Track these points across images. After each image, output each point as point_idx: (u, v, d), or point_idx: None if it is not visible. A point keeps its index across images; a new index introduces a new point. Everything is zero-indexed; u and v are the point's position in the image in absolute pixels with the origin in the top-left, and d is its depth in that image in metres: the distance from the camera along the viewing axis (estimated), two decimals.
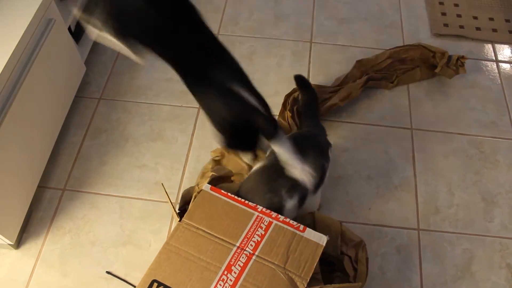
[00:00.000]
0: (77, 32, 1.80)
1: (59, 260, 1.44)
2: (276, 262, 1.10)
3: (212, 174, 1.36)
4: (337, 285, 1.17)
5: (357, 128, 1.73)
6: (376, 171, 1.63)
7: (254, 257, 1.11)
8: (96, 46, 1.95)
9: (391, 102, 1.81)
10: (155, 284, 1.06)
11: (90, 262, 1.44)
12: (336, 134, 1.71)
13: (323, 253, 1.15)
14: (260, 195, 1.24)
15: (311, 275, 1.09)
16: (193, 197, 1.25)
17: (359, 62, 1.83)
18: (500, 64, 1.95)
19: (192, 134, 1.71)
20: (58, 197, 1.56)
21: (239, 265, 1.09)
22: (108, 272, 1.41)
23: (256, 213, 1.18)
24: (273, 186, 1.25)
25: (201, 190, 1.23)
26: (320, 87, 1.75)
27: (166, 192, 1.22)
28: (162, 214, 1.52)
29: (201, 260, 1.10)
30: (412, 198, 1.57)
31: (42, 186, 1.57)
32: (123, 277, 1.40)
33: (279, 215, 1.18)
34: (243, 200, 1.21)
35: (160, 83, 1.85)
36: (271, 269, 1.09)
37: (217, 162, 1.57)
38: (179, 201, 1.38)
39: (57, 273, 1.42)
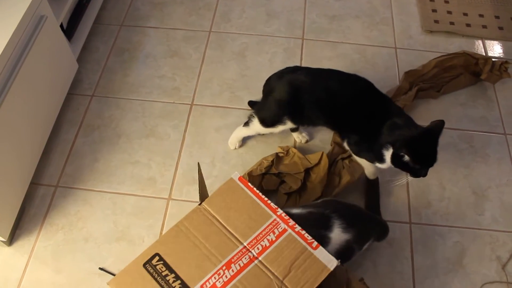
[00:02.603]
0: (69, 29, 1.80)
1: (52, 257, 1.44)
2: (276, 273, 1.07)
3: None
4: None
5: None
6: None
7: (256, 261, 1.09)
8: (89, 43, 1.95)
9: None
10: (157, 258, 1.08)
11: (84, 258, 1.44)
12: (327, 130, 1.72)
13: None
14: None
15: None
16: None
17: (407, 73, 1.80)
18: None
19: (185, 131, 1.71)
20: (51, 194, 1.56)
21: (239, 264, 1.08)
22: (101, 269, 1.41)
23: (274, 216, 1.15)
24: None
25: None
26: None
27: (201, 173, 1.19)
28: (155, 209, 1.53)
29: (205, 248, 1.10)
30: (403, 192, 1.58)
31: (34, 183, 1.57)
32: (116, 273, 1.40)
33: (296, 225, 1.15)
34: (266, 199, 1.19)
35: (153, 80, 1.85)
36: (268, 279, 1.06)
37: (279, 158, 1.58)
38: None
39: (50, 269, 1.42)
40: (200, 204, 1.17)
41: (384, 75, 1.89)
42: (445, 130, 1.71)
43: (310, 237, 1.12)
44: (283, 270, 1.07)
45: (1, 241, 1.42)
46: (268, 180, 1.55)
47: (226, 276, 1.06)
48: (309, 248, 1.11)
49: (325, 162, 1.55)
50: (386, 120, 1.33)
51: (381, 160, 1.34)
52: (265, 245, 1.11)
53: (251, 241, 1.11)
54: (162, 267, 1.07)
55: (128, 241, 1.47)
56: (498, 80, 1.86)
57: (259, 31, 2.04)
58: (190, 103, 1.79)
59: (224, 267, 1.07)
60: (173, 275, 1.06)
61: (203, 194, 1.18)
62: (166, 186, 1.58)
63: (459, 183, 1.61)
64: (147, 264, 1.07)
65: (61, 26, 1.70)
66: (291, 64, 1.88)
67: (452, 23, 2.08)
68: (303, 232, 1.13)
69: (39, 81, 1.51)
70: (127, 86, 1.84)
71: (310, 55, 1.95)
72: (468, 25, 2.08)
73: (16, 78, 1.33)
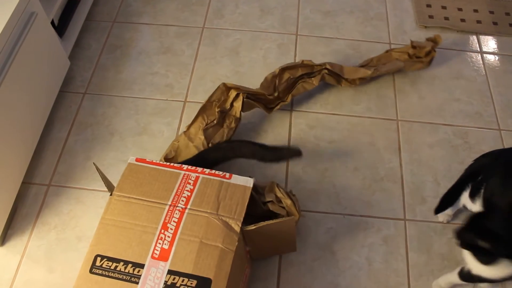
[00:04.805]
0: (61, 26, 1.78)
1: (45, 256, 1.43)
2: (208, 211, 1.15)
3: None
4: (272, 221, 1.19)
5: (343, 120, 1.74)
6: (362, 162, 1.64)
7: (187, 211, 1.15)
8: (81, 40, 1.93)
9: (377, 94, 1.81)
10: (99, 259, 1.10)
11: (77, 258, 1.43)
12: (323, 126, 1.72)
13: (258, 216, 1.24)
14: None
15: (243, 215, 1.14)
16: None
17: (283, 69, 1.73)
18: (484, 55, 1.96)
19: (178, 128, 1.70)
20: (43, 193, 1.55)
21: (174, 221, 1.13)
22: None
23: (183, 172, 1.23)
24: None
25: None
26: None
27: (99, 170, 1.21)
28: None
29: (137, 226, 1.14)
30: (398, 188, 1.58)
31: (26, 182, 1.55)
32: None
33: (205, 169, 1.24)
34: (168, 163, 1.26)
35: (145, 77, 1.84)
36: (205, 218, 1.14)
37: (185, 132, 1.59)
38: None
39: (43, 269, 1.41)
40: (111, 195, 1.20)
41: None
42: (440, 126, 1.73)
43: (221, 172, 1.23)
44: (213, 205, 1.16)
45: None
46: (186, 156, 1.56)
47: (168, 237, 1.12)
48: (224, 180, 1.22)
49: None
50: None
51: None
52: (187, 195, 1.18)
53: (173, 199, 1.17)
54: (108, 263, 1.09)
55: None
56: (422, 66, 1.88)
57: (252, 27, 2.03)
58: (183, 100, 1.78)
59: (162, 230, 1.12)
60: (122, 263, 1.09)
61: (110, 186, 1.21)
62: None
63: (454, 179, 1.57)
64: (93, 268, 1.09)
65: (52, 22, 1.68)
66: (285, 60, 1.88)
67: (446, 18, 2.08)
68: (213, 171, 1.24)
69: (30, 79, 1.49)
70: (120, 83, 1.82)
71: (304, 51, 1.94)
72: (462, 20, 2.08)
73: (6, 76, 1.31)
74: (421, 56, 1.85)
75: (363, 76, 1.76)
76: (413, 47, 1.85)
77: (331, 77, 1.76)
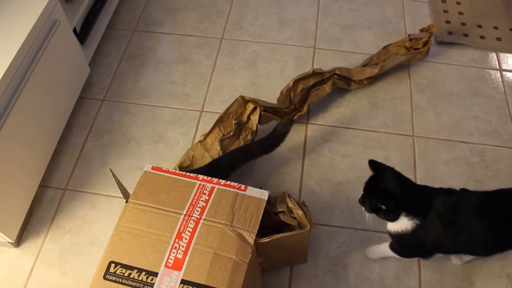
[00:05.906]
0: (82, 34, 1.81)
1: (58, 259, 1.45)
2: (223, 222, 1.15)
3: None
4: (285, 233, 1.19)
5: (359, 134, 1.74)
6: None
7: (201, 221, 1.15)
8: (101, 48, 1.97)
9: (393, 109, 1.81)
10: (113, 265, 1.10)
11: (90, 262, 1.44)
12: (338, 140, 1.72)
13: (269, 226, 1.27)
14: None
15: (257, 228, 1.15)
16: None
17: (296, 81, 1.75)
18: (504, 73, 1.94)
19: (194, 137, 1.72)
20: (59, 197, 1.57)
21: (188, 231, 1.14)
22: None
23: (198, 182, 1.23)
24: None
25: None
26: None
27: (115, 176, 1.22)
28: None
29: (152, 234, 1.14)
30: None
31: (43, 186, 1.58)
32: None
33: (220, 180, 1.24)
34: (183, 172, 1.27)
35: (163, 86, 1.86)
36: (220, 229, 1.14)
37: (201, 142, 1.61)
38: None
39: (57, 272, 1.42)
40: (127, 202, 1.20)
41: (395, 86, 1.88)
42: (457, 143, 1.72)
43: (236, 183, 1.23)
44: (228, 216, 1.17)
45: (9, 242, 1.43)
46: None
47: (182, 246, 1.12)
48: (239, 191, 1.22)
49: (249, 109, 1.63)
50: None
51: None
52: (202, 205, 1.19)
53: (188, 209, 1.18)
54: (122, 270, 1.10)
55: None
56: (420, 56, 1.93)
57: (271, 39, 2.04)
58: (200, 109, 1.80)
59: (177, 240, 1.13)
60: (135, 270, 1.09)
61: (125, 193, 1.22)
62: None
63: None
64: (107, 274, 1.09)
65: (74, 30, 1.72)
66: (303, 73, 1.89)
67: (466, 35, 2.06)
68: (228, 182, 1.24)
69: (51, 84, 1.52)
70: (137, 91, 1.85)
71: (321, 65, 1.94)
72: (482, 37, 2.06)
73: (29, 81, 1.34)
74: (419, 47, 1.90)
75: (370, 75, 1.81)
76: (410, 39, 1.91)
77: (341, 81, 1.80)
